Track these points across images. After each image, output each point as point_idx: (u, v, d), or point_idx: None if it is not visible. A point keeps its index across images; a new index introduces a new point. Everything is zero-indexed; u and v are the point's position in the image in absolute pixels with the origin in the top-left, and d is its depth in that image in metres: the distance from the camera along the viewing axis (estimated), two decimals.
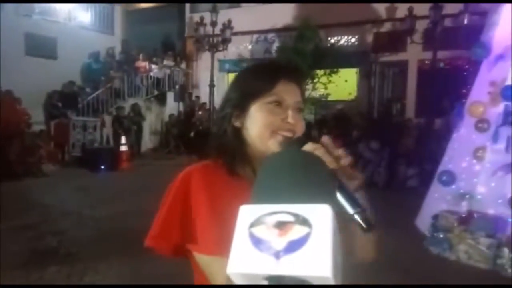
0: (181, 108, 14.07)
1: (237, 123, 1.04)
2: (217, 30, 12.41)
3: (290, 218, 0.53)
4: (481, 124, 4.96)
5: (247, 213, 0.56)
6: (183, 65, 15.63)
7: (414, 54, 11.42)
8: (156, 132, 14.33)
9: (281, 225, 0.52)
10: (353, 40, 12.89)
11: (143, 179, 8.52)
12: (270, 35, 14.32)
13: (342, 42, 12.99)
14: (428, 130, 9.20)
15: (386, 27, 12.25)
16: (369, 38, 12.51)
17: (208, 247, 0.92)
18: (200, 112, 13.51)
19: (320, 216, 0.52)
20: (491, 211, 4.51)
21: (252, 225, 0.54)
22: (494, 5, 5.32)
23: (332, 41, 12.83)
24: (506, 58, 4.88)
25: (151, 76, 14.21)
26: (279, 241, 0.51)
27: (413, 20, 10.08)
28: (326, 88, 12.20)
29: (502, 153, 4.64)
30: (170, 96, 14.39)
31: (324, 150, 0.84)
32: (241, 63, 14.94)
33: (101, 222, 5.56)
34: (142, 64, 13.94)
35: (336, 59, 11.30)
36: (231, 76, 16.30)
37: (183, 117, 13.77)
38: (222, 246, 0.84)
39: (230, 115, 1.04)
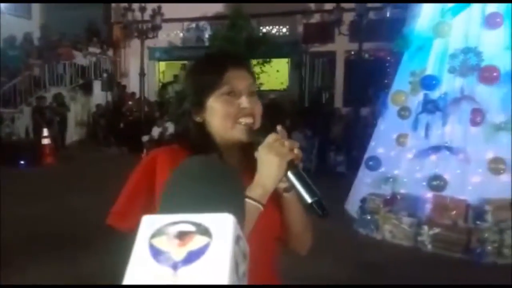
0: (109, 98, 13.46)
1: (198, 118, 1.07)
2: (147, 16, 11.97)
3: (191, 228, 0.52)
4: (403, 112, 5.27)
5: (149, 223, 0.54)
6: (110, 53, 14.93)
7: (341, 45, 11.87)
8: (83, 123, 13.60)
9: (181, 235, 0.51)
10: (284, 30, 13.10)
11: (69, 174, 8.04)
12: (202, 23, 14.12)
13: (273, 32, 13.15)
14: (356, 118, 9.63)
15: (316, 18, 12.59)
16: (300, 29, 12.79)
17: None
18: (130, 102, 13.02)
19: (221, 225, 0.51)
20: (412, 193, 4.84)
21: (153, 235, 0.52)
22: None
23: (264, 30, 12.94)
24: (425, 49, 5.21)
25: (75, 64, 13.40)
26: (178, 252, 0.50)
27: (340, 12, 10.45)
28: (258, 78, 12.32)
29: (422, 139, 4.97)
30: (97, 85, 13.67)
31: (282, 141, 0.94)
32: (172, 51, 14.61)
33: (24, 223, 5.14)
34: (64, 50, 13.08)
35: (268, 49, 11.43)
36: (162, 64, 15.87)
37: (111, 107, 13.19)
38: None
39: (189, 112, 1.07)
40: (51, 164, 9.48)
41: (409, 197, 4.80)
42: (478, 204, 4.40)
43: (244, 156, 1.07)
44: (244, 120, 1.04)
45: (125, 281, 0.51)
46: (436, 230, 4.31)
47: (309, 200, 0.92)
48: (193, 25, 14.22)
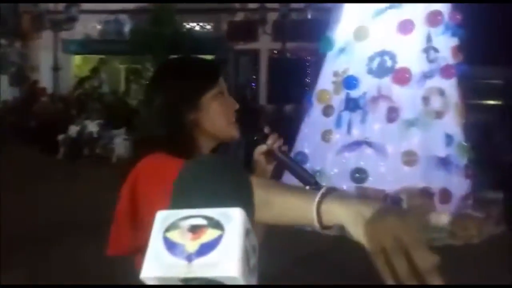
0: (18, 94, 12.40)
1: (190, 117, 1.06)
2: (61, 7, 11.22)
3: (203, 222, 0.55)
4: (327, 110, 5.60)
5: (163, 218, 0.57)
6: (18, 44, 13.73)
7: (265, 43, 12.16)
8: None
9: (194, 229, 0.54)
10: (208, 27, 13.08)
11: None
12: (121, 16, 13.56)
13: (197, 28, 13.07)
14: (280, 115, 9.96)
15: (240, 16, 12.74)
16: (224, 26, 12.86)
17: None
18: (43, 98, 12.11)
19: (232, 219, 0.54)
20: (337, 185, 5.16)
21: (167, 229, 0.56)
22: (337, 4, 6.01)
23: (188, 26, 12.81)
24: (347, 51, 5.58)
25: None
26: (192, 245, 0.53)
27: (264, 12, 10.70)
28: None
29: (345, 135, 5.34)
30: (3, 79, 12.52)
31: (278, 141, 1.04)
32: (89, 44, 13.85)
33: None
34: None
35: (193, 45, 11.33)
36: (78, 58, 14.96)
37: (20, 104, 12.15)
38: None
39: (182, 110, 1.05)
40: None
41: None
42: (394, 194, 4.84)
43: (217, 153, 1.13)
44: (234, 119, 1.09)
45: (142, 274, 0.54)
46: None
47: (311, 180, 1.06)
48: (112, 17, 13.62)
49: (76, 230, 4.53)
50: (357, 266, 3.91)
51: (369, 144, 5.14)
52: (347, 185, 5.11)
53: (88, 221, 4.78)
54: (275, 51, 11.91)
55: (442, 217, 4.72)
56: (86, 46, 13.90)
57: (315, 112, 5.84)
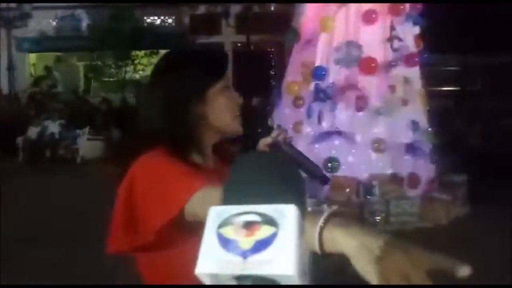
0: None
1: (197, 111, 1.02)
2: (13, 3, 10.68)
3: (257, 218, 0.54)
4: (297, 101, 5.64)
5: (216, 214, 0.57)
6: None
7: (228, 37, 12.08)
8: None
9: (248, 225, 0.53)
10: (170, 21, 12.84)
11: None
12: (78, 12, 13.08)
13: (158, 22, 12.81)
14: (248, 108, 9.95)
15: (202, 9, 12.58)
16: (186, 20, 12.66)
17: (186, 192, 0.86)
18: None
19: (286, 216, 0.54)
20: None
21: (220, 226, 0.55)
22: None
23: (149, 21, 12.53)
24: (313, 42, 5.64)
25: None
26: (246, 241, 0.52)
27: (227, 5, 10.62)
28: (145, 70, 11.92)
29: (316, 125, 5.40)
30: None
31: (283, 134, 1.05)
32: (44, 41, 13.28)
33: None
34: None
35: (155, 40, 11.12)
36: (33, 56, 14.31)
37: None
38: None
39: (189, 103, 1.02)
40: None
41: (308, 180, 5.19)
42: (366, 181, 4.97)
43: (218, 149, 1.11)
44: (238, 113, 1.07)
45: (197, 270, 0.53)
46: (334, 207, 4.75)
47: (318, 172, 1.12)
48: (68, 13, 13.10)
49: (41, 235, 4.36)
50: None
51: (339, 133, 5.23)
52: None
53: (53, 226, 4.63)
54: (239, 44, 11.86)
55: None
56: (41, 43, 13.33)
57: (285, 104, 5.88)
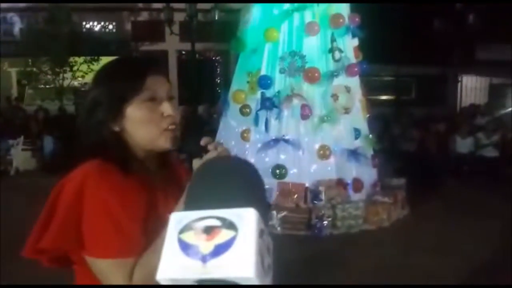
0: None
1: (115, 128, 0.99)
2: None
3: (217, 223, 0.55)
4: (244, 109, 5.69)
5: (177, 220, 0.57)
6: None
7: (172, 44, 11.92)
8: None
9: (208, 230, 0.55)
10: (110, 27, 12.45)
11: None
12: (10, 15, 12.32)
13: (98, 28, 12.37)
14: (193, 117, 9.86)
15: (144, 16, 12.33)
16: (128, 26, 12.35)
17: (110, 250, 0.89)
18: None
19: (245, 219, 0.55)
20: None
21: (181, 231, 0.56)
22: (245, 5, 6.12)
23: (88, 26, 12.07)
24: (259, 51, 5.72)
25: None
26: (206, 246, 0.53)
27: (170, 12, 10.47)
28: (85, 76, 11.45)
29: (263, 133, 5.48)
30: None
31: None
32: None
33: None
34: None
35: (94, 46, 10.72)
36: None
37: None
38: (126, 247, 0.88)
39: (105, 121, 0.98)
40: None
41: None
42: (313, 187, 5.11)
43: (161, 163, 1.06)
44: (169, 127, 0.99)
45: (158, 275, 0.54)
46: (283, 213, 4.84)
47: None
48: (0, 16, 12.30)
49: None
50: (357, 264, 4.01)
51: (286, 141, 5.34)
52: (268, 182, 5.25)
53: None
54: (183, 52, 11.75)
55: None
56: None
57: (232, 112, 5.91)
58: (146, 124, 0.98)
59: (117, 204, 0.90)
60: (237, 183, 0.70)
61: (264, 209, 0.68)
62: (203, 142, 0.94)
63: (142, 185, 0.97)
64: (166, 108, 0.99)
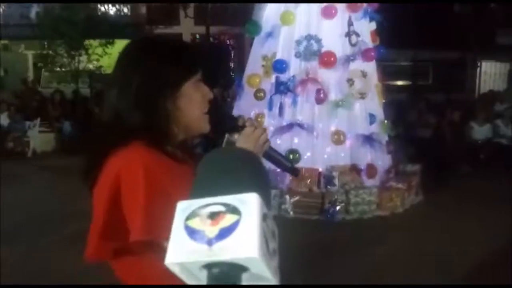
0: None
1: (169, 105, 0.98)
2: None
3: (221, 208, 0.57)
4: (259, 93, 5.67)
5: (183, 208, 0.59)
6: None
7: (187, 27, 11.89)
8: None
9: (213, 216, 0.56)
10: (125, 10, 12.45)
11: None
12: None
13: (113, 11, 12.38)
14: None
15: None
16: (143, 10, 12.33)
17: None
18: None
19: (248, 204, 0.57)
20: (273, 167, 5.30)
21: (187, 218, 0.57)
22: None
23: (103, 9, 12.09)
24: (274, 35, 5.67)
25: None
26: (211, 230, 0.55)
27: None
28: (99, 60, 11.52)
29: (277, 118, 5.47)
30: None
31: (257, 133, 1.01)
32: None
33: None
34: None
35: (110, 30, 10.74)
36: None
37: None
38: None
39: (164, 95, 0.97)
40: None
41: (271, 172, 5.26)
42: (327, 172, 5.10)
43: (183, 146, 1.07)
44: (206, 110, 1.03)
45: (167, 260, 0.56)
46: (296, 197, 4.86)
47: (289, 165, 1.15)
48: None
49: None
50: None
51: (300, 125, 5.32)
52: None
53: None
54: (197, 35, 11.72)
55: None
56: None
57: (246, 96, 5.89)
58: (197, 103, 1.01)
59: (176, 191, 0.87)
60: (240, 171, 0.71)
61: (267, 195, 0.70)
62: (240, 120, 1.02)
63: (185, 170, 0.95)
64: (208, 91, 1.04)
